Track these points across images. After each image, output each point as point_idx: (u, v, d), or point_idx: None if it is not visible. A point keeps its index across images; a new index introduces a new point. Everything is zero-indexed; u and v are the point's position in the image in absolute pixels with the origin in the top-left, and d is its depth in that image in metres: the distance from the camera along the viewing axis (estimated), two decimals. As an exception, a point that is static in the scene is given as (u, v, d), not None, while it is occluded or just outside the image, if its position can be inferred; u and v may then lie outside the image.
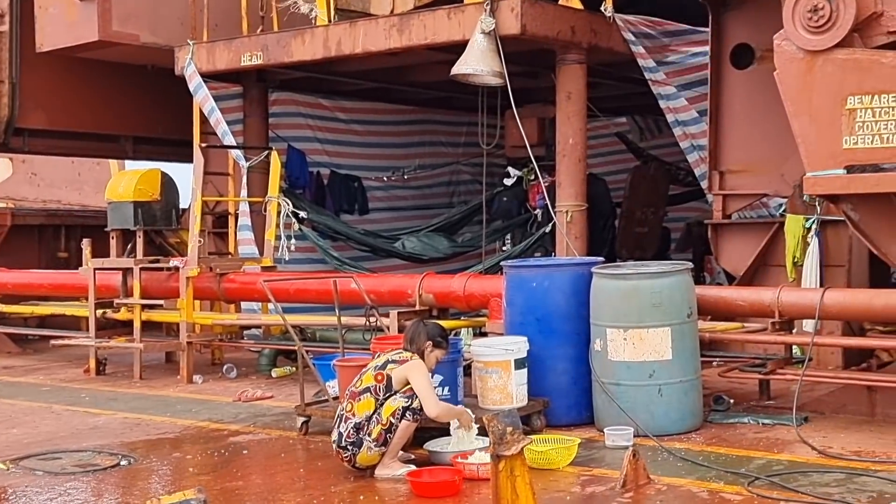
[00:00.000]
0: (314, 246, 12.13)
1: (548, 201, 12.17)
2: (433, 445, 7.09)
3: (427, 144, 16.00)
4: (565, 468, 6.83)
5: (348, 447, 6.74)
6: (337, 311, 9.01)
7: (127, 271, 11.80)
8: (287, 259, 11.69)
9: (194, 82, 12.54)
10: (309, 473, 7.03)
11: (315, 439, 8.02)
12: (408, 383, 6.76)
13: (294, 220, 11.63)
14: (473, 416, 6.98)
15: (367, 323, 8.87)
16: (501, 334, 9.12)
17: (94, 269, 11.72)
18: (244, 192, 12.36)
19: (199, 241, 11.02)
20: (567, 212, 10.72)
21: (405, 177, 15.41)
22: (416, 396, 6.71)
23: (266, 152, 11.98)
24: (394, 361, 6.85)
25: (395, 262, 13.41)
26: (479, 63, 10.03)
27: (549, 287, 8.10)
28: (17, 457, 7.67)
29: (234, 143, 12.25)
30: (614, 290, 7.75)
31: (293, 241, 11.64)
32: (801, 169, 10.16)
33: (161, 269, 11.73)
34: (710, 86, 10.82)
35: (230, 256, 12.36)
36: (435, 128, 16.15)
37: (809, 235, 9.54)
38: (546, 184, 12.27)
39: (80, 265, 14.91)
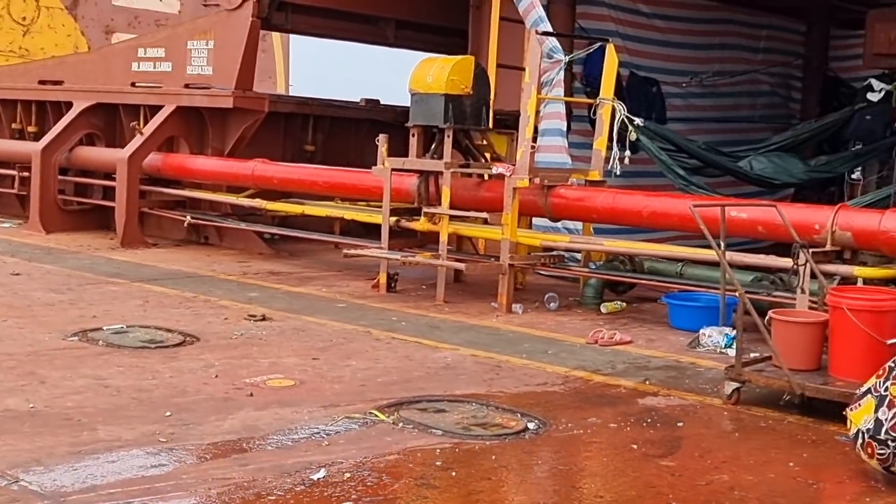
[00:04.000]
0: (652, 159, 10.30)
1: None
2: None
3: (727, 48, 14.00)
4: None
5: (888, 443, 4.99)
6: (717, 243, 7.21)
7: (428, 175, 10.21)
8: (618, 173, 9.89)
9: (506, -42, 10.73)
10: (806, 470, 5.31)
11: (751, 412, 6.34)
12: (976, 376, 4.96)
13: (631, 127, 9.79)
14: None
15: (795, 265, 7.03)
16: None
17: (392, 170, 10.13)
18: (559, 91, 10.56)
19: (534, 148, 9.30)
20: None
21: (704, 83, 13.45)
22: None
23: (599, 44, 10.14)
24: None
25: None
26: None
27: None
28: (389, 403, 6.18)
29: (551, 31, 10.42)
30: None
31: (627, 152, 9.82)
32: None
33: (471, 174, 10.11)
34: None
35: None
36: (736, 28, 14.12)
37: None
38: (923, 102, 10.24)
39: (325, 160, 13.60)
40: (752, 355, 7.39)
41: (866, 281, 7.95)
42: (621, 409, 6.33)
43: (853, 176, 11.08)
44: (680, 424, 6.06)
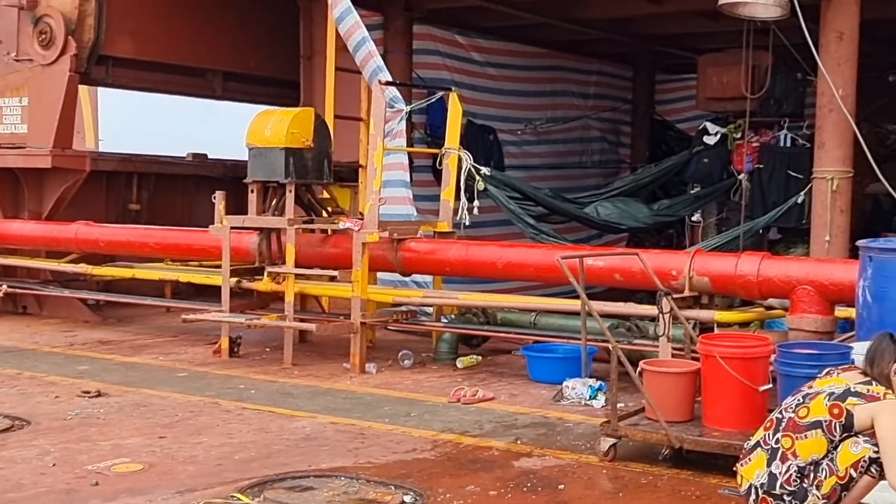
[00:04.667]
0: (499, 208, 10.10)
1: (757, 165, 10.38)
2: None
3: (559, 94, 14.07)
4: None
5: (784, 497, 4.81)
6: (581, 293, 7.03)
7: (270, 232, 9.75)
8: (467, 223, 9.66)
9: (340, 6, 10.45)
10: (701, 531, 5.12)
11: (629, 468, 6.13)
12: (871, 427, 4.82)
13: (478, 176, 9.58)
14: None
15: (662, 314, 6.90)
16: (823, 335, 7.28)
17: (231, 228, 9.63)
18: (401, 142, 10.29)
19: (382, 200, 8.96)
20: (831, 179, 8.83)
21: (539, 130, 13.46)
22: (893, 448, 4.77)
23: (441, 94, 9.94)
24: (858, 395, 4.85)
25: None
26: (761, -11, 8.07)
27: (943, 278, 6.22)
28: (251, 483, 5.70)
29: (392, 80, 10.14)
30: None
31: (476, 202, 9.60)
32: None
33: (313, 230, 9.71)
34: None
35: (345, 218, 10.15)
36: (567, 75, 14.22)
37: None
38: (756, 143, 10.45)
39: (151, 220, 12.93)
40: (617, 406, 7.25)
41: (720, 325, 7.95)
42: (498, 474, 6.01)
43: (693, 218, 11.19)
44: (561, 487, 5.78)
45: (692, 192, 11.04)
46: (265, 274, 9.52)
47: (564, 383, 7.87)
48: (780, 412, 5.03)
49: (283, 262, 9.46)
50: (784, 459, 4.85)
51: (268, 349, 9.98)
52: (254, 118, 9.76)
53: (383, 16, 11.29)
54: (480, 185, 9.56)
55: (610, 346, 7.91)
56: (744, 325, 8.30)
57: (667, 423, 6.06)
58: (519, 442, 6.73)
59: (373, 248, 9.10)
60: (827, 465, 4.79)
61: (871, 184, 12.12)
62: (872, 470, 4.75)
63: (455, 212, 9.59)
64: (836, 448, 4.81)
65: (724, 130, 10.87)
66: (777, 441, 4.92)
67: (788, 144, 10.54)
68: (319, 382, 8.59)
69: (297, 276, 9.35)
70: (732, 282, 7.72)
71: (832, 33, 8.85)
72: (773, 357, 6.26)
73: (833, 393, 4.88)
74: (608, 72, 14.89)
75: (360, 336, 8.91)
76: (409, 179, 10.28)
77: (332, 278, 9.36)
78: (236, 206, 10.45)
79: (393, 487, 5.70)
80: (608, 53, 14.55)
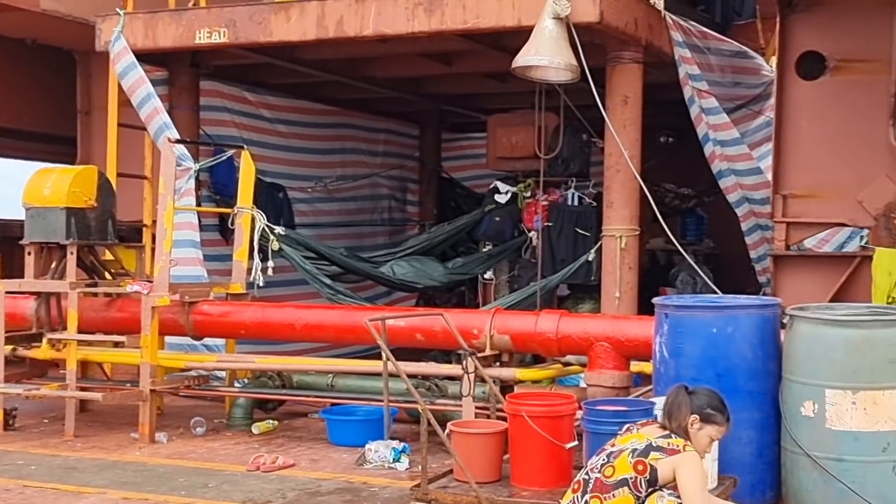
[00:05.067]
0: (293, 268, 9.89)
1: (546, 223, 10.63)
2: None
3: (349, 152, 14.02)
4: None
5: (599, 560, 4.83)
6: (384, 355, 6.92)
7: (49, 296, 9.20)
8: (261, 284, 9.40)
9: (123, 61, 10.12)
10: None
11: (441, 534, 6.02)
12: (674, 479, 4.91)
13: (272, 236, 9.37)
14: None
15: (466, 374, 6.86)
16: (621, 390, 7.43)
17: (5, 292, 9.03)
18: (189, 200, 9.96)
19: (173, 262, 8.61)
20: (620, 237, 9.09)
21: (329, 188, 13.36)
22: (691, 498, 4.87)
23: (231, 151, 9.70)
24: (660, 449, 4.94)
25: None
26: (552, 53, 8.25)
27: (734, 334, 6.40)
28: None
29: (179, 138, 9.83)
30: (839, 340, 6.16)
31: (270, 262, 9.37)
32: (885, 195, 9.13)
33: (97, 294, 9.23)
34: (775, 98, 9.52)
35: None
36: (356, 133, 14.20)
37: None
38: (545, 202, 10.70)
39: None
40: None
41: (519, 382, 8.01)
42: (308, 548, 5.80)
43: (486, 276, 11.30)
44: (375, 558, 5.62)
45: (484, 250, 11.15)
46: (44, 340, 8.95)
47: (367, 446, 7.71)
48: (587, 473, 5.06)
49: (64, 328, 8.93)
50: (591, 523, 4.86)
51: (45, 420, 9.39)
52: (31, 176, 9.24)
53: (168, 71, 10.95)
54: (275, 246, 9.35)
55: (417, 407, 7.89)
56: (535, 382, 8.39)
57: (476, 484, 6.00)
58: (327, 513, 6.53)
59: (162, 312, 8.71)
60: (637, 522, 4.84)
61: (650, 240, 12.67)
62: (679, 521, 4.83)
63: (248, 272, 9.33)
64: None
65: (514, 189, 11.05)
66: (586, 502, 4.93)
67: (576, 203, 10.82)
68: (106, 455, 8.10)
69: (80, 342, 8.85)
70: (532, 339, 7.79)
71: (618, 97, 9.16)
72: (578, 414, 6.31)
73: (636, 449, 4.95)
74: (396, 130, 14.96)
75: (149, 404, 8.49)
76: (198, 240, 9.94)
77: (118, 344, 8.88)
78: (7, 268, 9.88)
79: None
80: (396, 112, 14.63)
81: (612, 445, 5.11)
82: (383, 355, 6.82)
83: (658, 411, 5.81)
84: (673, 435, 5.02)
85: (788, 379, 6.37)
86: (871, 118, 9.03)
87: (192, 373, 9.19)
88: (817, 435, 6.18)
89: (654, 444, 4.95)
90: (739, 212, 10.41)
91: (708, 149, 10.20)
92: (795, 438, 6.26)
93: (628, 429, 5.22)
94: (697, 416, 5.12)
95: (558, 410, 6.23)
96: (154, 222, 10.05)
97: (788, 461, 6.38)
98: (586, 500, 4.94)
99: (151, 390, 8.51)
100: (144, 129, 10.27)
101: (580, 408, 6.40)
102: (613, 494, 4.87)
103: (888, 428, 6.07)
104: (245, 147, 9.63)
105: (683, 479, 4.87)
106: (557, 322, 7.70)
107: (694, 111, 10.06)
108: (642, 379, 8.20)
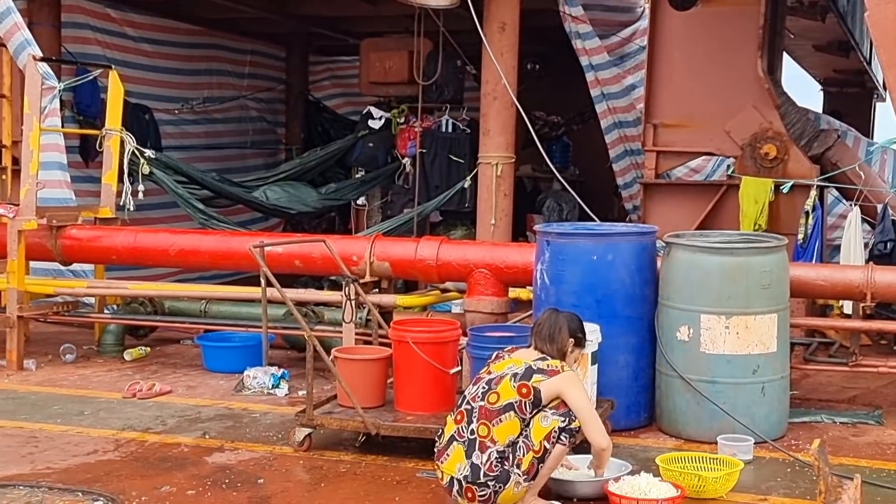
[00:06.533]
0: (164, 192, 9.65)
1: (420, 149, 10.65)
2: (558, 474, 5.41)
3: (215, 73, 13.69)
4: (730, 496, 5.46)
5: (489, 483, 4.93)
6: (264, 281, 6.81)
7: None
8: (132, 208, 9.17)
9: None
10: (410, 518, 5.13)
11: (325, 457, 6.07)
12: (558, 398, 5.05)
13: (142, 159, 9.12)
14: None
15: (348, 300, 6.85)
16: (499, 316, 7.55)
17: None
18: (55, 121, 9.58)
19: (40, 185, 8.31)
20: (496, 164, 9.17)
21: (196, 110, 13.04)
22: (572, 414, 5.02)
23: (98, 71, 9.36)
24: (541, 371, 5.06)
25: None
26: (433, -22, 8.19)
27: (614, 261, 6.58)
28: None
29: (42, 55, 9.43)
30: (715, 267, 6.39)
31: (141, 186, 9.14)
32: (751, 126, 9.42)
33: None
34: (648, 28, 9.70)
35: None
36: (223, 54, 13.86)
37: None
38: (420, 129, 10.70)
39: None
40: (300, 393, 7.21)
41: (396, 308, 8.04)
42: (192, 472, 5.76)
43: (359, 202, 11.26)
44: (260, 481, 5.63)
45: (357, 175, 11.10)
46: None
47: (245, 372, 7.66)
48: (468, 403, 5.13)
49: (-78, 253, 8.57)
50: (483, 448, 4.96)
51: None
52: None
53: (26, -17, 10.47)
54: (146, 169, 9.11)
55: (293, 334, 7.88)
56: (407, 308, 8.43)
57: (362, 409, 6.05)
58: (207, 436, 6.48)
59: (29, 236, 8.44)
60: (523, 442, 4.97)
61: (519, 167, 12.80)
62: (563, 438, 5.01)
63: (118, 195, 9.09)
64: (528, 426, 4.99)
65: (388, 115, 10.99)
66: (472, 432, 5.02)
67: (450, 130, 10.83)
68: (-29, 382, 7.87)
69: (-58, 266, 8.51)
70: (412, 266, 7.83)
71: (495, 23, 9.14)
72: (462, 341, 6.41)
73: (517, 374, 5.06)
74: (263, 51, 14.64)
75: (17, 331, 8.25)
76: (65, 162, 9.60)
77: (-12, 267, 8.58)
78: None
79: (80, 494, 5.33)
80: (263, 33, 14.31)
81: (489, 373, 5.21)
82: (262, 281, 6.74)
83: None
84: (548, 357, 5.17)
85: (665, 304, 6.60)
86: (740, 49, 9.28)
87: (60, 299, 8.94)
88: (691, 358, 6.44)
89: (534, 367, 5.08)
90: (609, 138, 10.62)
91: (590, 76, 10.36)
92: (670, 362, 6.51)
93: (498, 356, 5.34)
94: (573, 340, 5.30)
95: (443, 336, 6.30)
96: (14, 143, 9.69)
97: (663, 384, 6.63)
98: (473, 430, 5.02)
99: (19, 316, 8.27)
100: (2, 45, 9.80)
101: (464, 334, 6.50)
102: (500, 419, 4.98)
103: (758, 351, 6.37)
104: (112, 67, 9.30)
105: (573, 397, 5.02)
106: (438, 249, 7.75)
107: (577, 44, 10.19)
108: (518, 305, 8.33)
